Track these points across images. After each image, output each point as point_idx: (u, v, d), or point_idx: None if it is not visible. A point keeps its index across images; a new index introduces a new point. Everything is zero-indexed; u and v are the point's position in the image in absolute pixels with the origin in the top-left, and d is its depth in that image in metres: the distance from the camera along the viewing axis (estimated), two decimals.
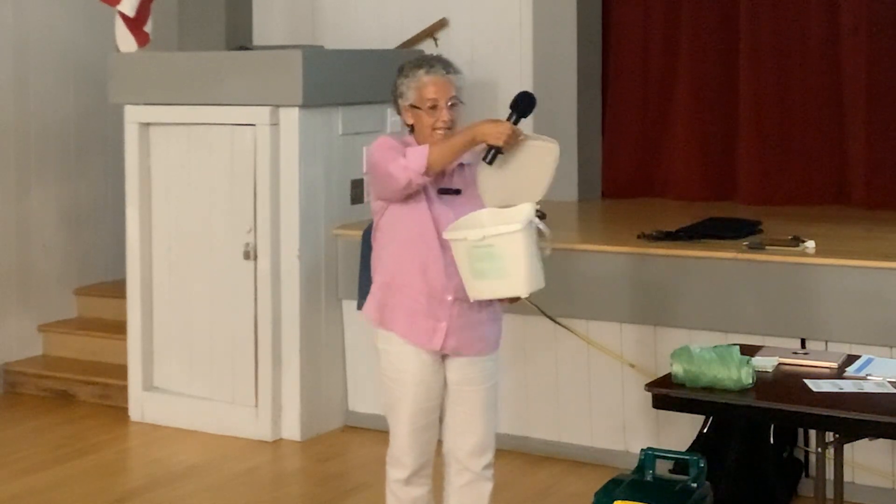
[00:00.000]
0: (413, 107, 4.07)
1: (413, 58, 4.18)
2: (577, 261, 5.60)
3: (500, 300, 4.07)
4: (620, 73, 7.30)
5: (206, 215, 6.33)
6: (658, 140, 7.26)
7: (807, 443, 5.29)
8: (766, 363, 4.27)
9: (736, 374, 4.01)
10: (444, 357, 4.13)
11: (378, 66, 6.06)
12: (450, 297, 4.06)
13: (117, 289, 6.98)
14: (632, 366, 5.57)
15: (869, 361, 4.33)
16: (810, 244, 5.33)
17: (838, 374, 4.21)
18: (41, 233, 7.30)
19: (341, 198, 6.33)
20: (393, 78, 4.13)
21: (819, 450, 4.01)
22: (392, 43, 7.27)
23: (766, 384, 4.11)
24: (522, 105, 4.04)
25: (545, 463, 5.75)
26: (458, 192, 4.10)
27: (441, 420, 4.20)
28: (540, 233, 3.92)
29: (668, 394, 4.12)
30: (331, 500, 5.43)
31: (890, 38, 6.68)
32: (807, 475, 5.30)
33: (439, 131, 4.03)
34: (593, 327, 5.66)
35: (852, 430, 3.95)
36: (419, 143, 4.05)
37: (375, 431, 5.96)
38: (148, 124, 6.46)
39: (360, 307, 4.59)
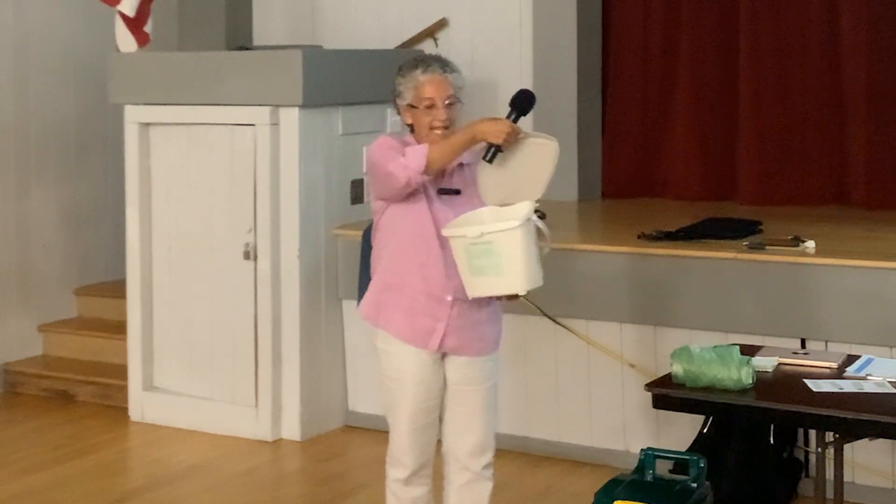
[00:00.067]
0: (411, 106, 4.07)
1: (411, 57, 4.18)
2: (577, 261, 5.60)
3: (499, 298, 4.06)
4: (620, 73, 7.30)
5: (206, 215, 6.33)
6: (658, 140, 7.25)
7: (807, 443, 5.29)
8: (766, 363, 4.27)
9: (736, 374, 4.01)
10: (443, 357, 4.14)
11: (378, 66, 6.05)
12: (449, 298, 4.06)
13: (117, 289, 6.98)
14: (632, 366, 5.57)
15: (869, 361, 4.33)
16: (810, 244, 5.33)
17: (838, 374, 4.21)
18: (41, 233, 7.30)
19: (341, 198, 6.33)
20: (393, 78, 4.14)
21: (819, 450, 4.00)
22: (392, 43, 7.27)
23: (766, 384, 4.11)
24: (522, 103, 4.04)
25: (545, 463, 5.75)
26: (457, 191, 4.10)
27: (441, 420, 4.21)
28: (539, 232, 3.92)
29: (668, 394, 4.12)
30: (331, 500, 5.43)
31: (890, 39, 6.68)
32: (807, 475, 5.30)
33: (437, 130, 4.03)
34: (593, 327, 5.66)
35: (852, 430, 3.95)
36: (418, 143, 4.05)
37: (375, 431, 5.96)
38: (148, 124, 6.46)
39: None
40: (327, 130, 6.24)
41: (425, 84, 4.04)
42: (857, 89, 6.73)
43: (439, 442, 4.23)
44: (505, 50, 7.13)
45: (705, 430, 5.30)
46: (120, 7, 6.45)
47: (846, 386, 4.05)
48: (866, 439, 4.23)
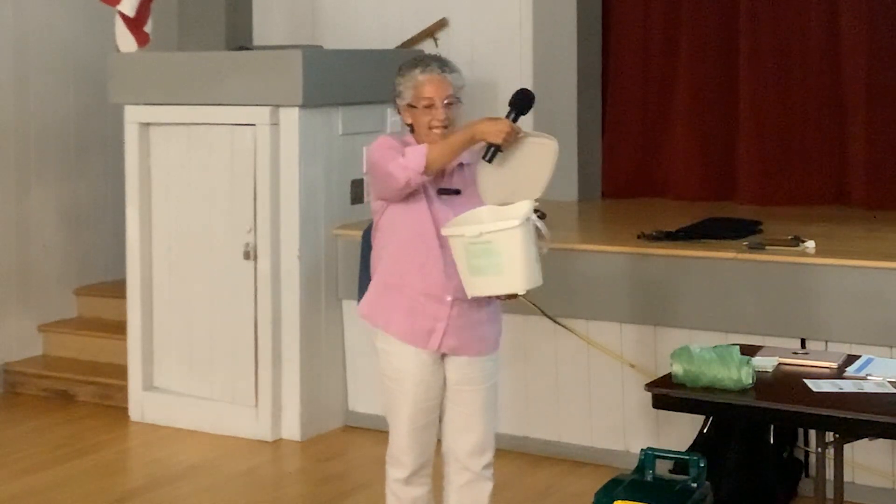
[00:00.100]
0: (410, 106, 4.07)
1: (411, 57, 4.18)
2: (577, 261, 5.60)
3: (498, 297, 4.06)
4: (620, 73, 7.30)
5: (206, 215, 6.33)
6: (658, 140, 7.25)
7: (807, 443, 5.29)
8: (766, 363, 4.27)
9: (736, 374, 4.01)
10: (443, 356, 4.13)
11: (378, 66, 6.05)
12: (449, 298, 4.06)
13: (117, 289, 6.98)
14: (632, 366, 5.57)
15: (869, 361, 4.33)
16: (810, 244, 5.33)
17: (838, 374, 4.21)
18: (41, 233, 7.30)
19: (341, 198, 6.33)
20: (393, 78, 4.14)
21: (819, 450, 4.00)
22: (392, 43, 7.27)
23: (766, 384, 4.12)
24: (521, 102, 4.04)
25: (545, 463, 5.75)
26: (457, 192, 4.10)
27: (441, 420, 4.21)
28: (539, 232, 3.92)
29: (668, 394, 4.13)
30: (331, 500, 5.43)
31: (890, 39, 6.67)
32: (807, 475, 5.30)
33: (436, 130, 4.03)
34: (593, 327, 5.66)
35: (852, 430, 3.95)
36: (418, 143, 4.05)
37: (375, 431, 5.96)
38: (148, 124, 6.46)
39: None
40: (327, 130, 6.24)
41: (424, 84, 4.04)
42: (857, 89, 6.73)
43: (439, 442, 4.23)
44: (505, 50, 7.13)
45: (705, 430, 5.30)
46: (120, 7, 6.45)
47: (846, 386, 4.05)
48: (866, 439, 4.23)
